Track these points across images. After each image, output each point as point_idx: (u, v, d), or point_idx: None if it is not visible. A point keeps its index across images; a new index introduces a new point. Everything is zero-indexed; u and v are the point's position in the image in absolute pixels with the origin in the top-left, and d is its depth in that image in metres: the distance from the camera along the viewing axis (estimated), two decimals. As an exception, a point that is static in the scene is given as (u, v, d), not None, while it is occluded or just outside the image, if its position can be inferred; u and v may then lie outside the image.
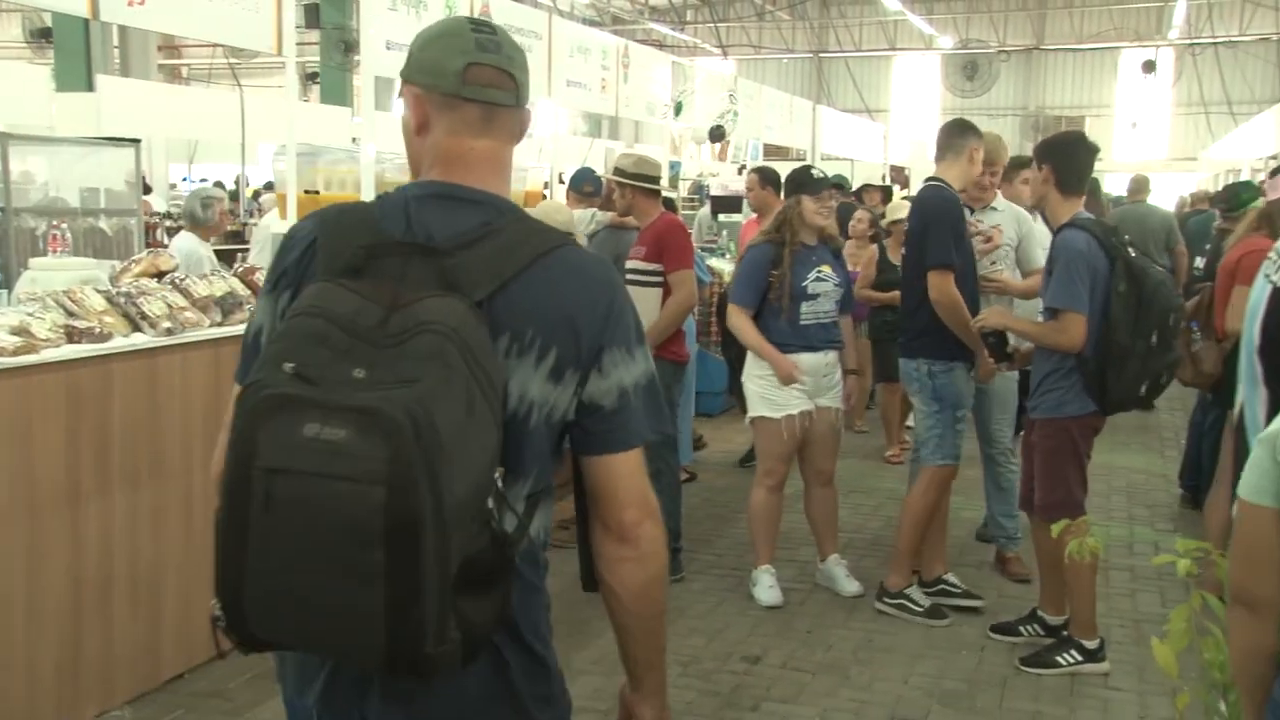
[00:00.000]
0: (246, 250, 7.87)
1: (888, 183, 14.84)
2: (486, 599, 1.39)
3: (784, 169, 5.57)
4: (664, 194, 5.84)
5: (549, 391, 1.49)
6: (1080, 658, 4.08)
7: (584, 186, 6.69)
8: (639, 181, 5.15)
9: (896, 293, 5.18)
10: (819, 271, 4.72)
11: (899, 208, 6.80)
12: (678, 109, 9.34)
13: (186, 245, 6.08)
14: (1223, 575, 1.84)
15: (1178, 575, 1.86)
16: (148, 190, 10.92)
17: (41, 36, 18.10)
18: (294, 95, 5.22)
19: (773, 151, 15.20)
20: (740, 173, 10.83)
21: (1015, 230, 4.92)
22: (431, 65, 1.55)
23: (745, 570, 4.94)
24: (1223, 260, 4.90)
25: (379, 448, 1.25)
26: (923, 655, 4.26)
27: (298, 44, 5.86)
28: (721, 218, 10.77)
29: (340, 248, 1.47)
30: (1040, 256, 4.72)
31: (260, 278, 4.36)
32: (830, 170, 13.95)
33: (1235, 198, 6.42)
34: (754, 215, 7.15)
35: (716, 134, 10.81)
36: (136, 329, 3.74)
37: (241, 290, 4.21)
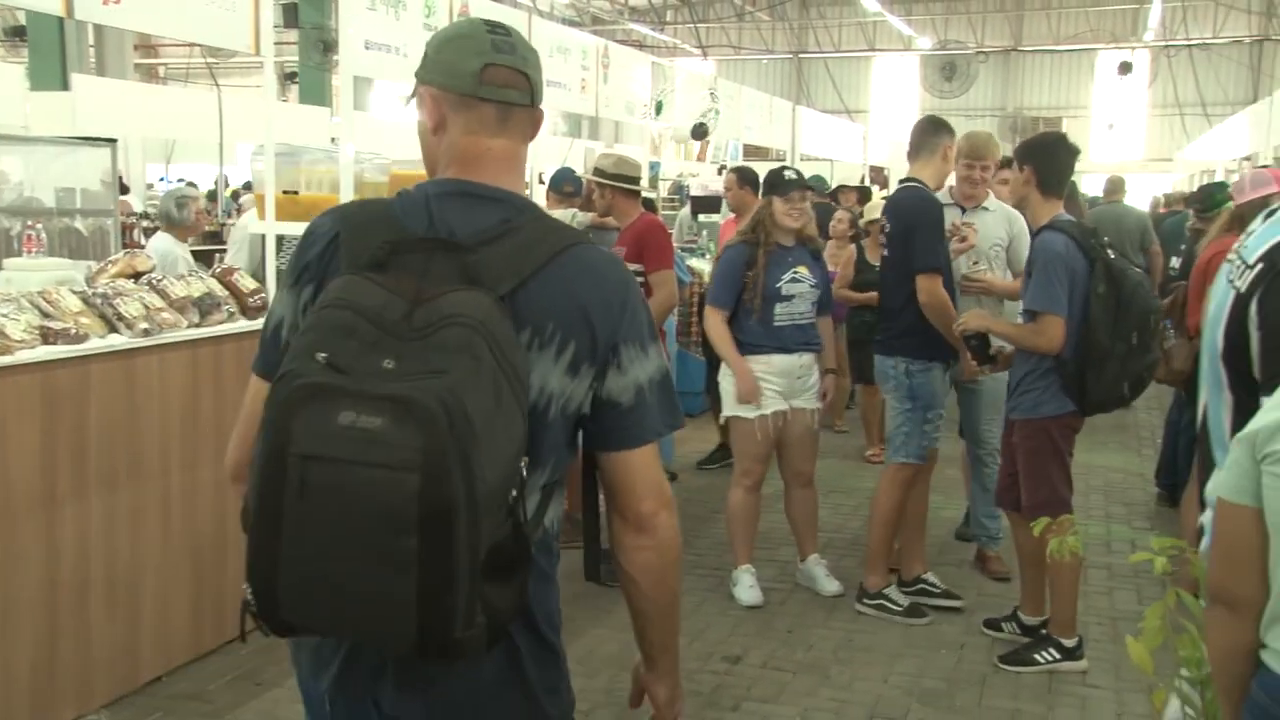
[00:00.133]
0: (225, 251, 7.82)
1: (867, 183, 14.89)
2: (509, 586, 1.42)
3: (763, 169, 5.57)
4: (644, 194, 5.83)
5: (567, 384, 1.54)
6: (1058, 655, 4.11)
7: (564, 186, 6.68)
8: (619, 182, 5.15)
9: (874, 294, 5.19)
10: (795, 273, 4.72)
11: (878, 208, 6.81)
12: (658, 109, 9.34)
13: (162, 246, 6.04)
14: (1196, 573, 1.85)
15: (1154, 573, 1.87)
16: (125, 190, 10.84)
17: (15, 35, 17.97)
18: (272, 95, 5.20)
19: (752, 152, 15.22)
20: (720, 173, 10.84)
21: (1007, 230, 4.88)
22: (448, 66, 1.58)
23: (725, 570, 4.94)
24: (1197, 260, 4.95)
25: (414, 436, 1.29)
26: (902, 654, 4.28)
27: (276, 43, 5.84)
28: (701, 218, 10.78)
29: (363, 243, 1.50)
30: None
31: (238, 278, 4.34)
32: (810, 171, 13.90)
33: (1209, 198, 6.48)
34: (732, 215, 7.16)
35: (699, 131, 10.81)
36: (113, 330, 3.72)
37: (219, 291, 4.18)
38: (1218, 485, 1.72)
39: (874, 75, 30.60)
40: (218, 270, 4.43)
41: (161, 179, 16.26)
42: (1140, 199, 13.83)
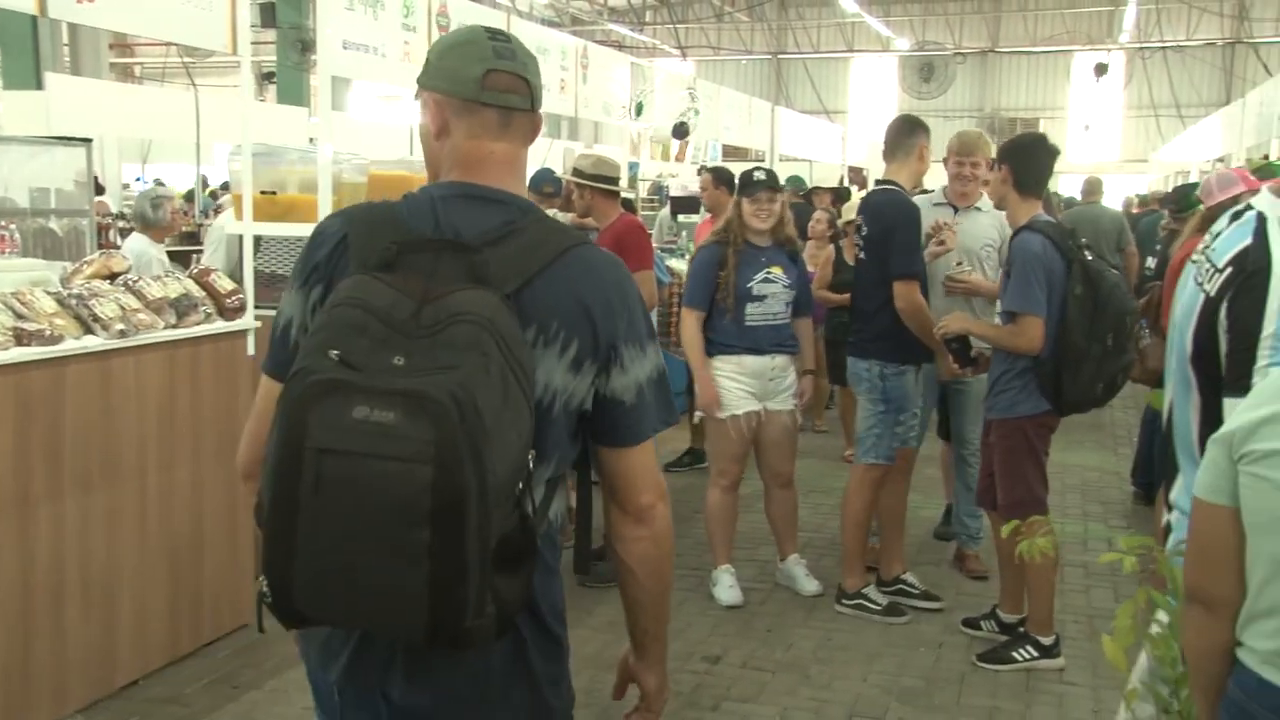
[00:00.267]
0: (202, 251, 7.77)
1: (846, 183, 14.93)
2: (517, 577, 1.46)
3: (742, 170, 5.57)
4: (622, 195, 5.83)
5: (570, 381, 1.58)
6: (1036, 654, 4.13)
7: (544, 187, 6.67)
8: (597, 182, 5.15)
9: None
10: (768, 273, 4.71)
11: (855, 208, 6.83)
12: (638, 109, 9.34)
13: (137, 247, 5.99)
14: (1163, 571, 1.86)
15: (1124, 572, 1.88)
16: (100, 191, 10.75)
17: (-11, 34, 17.75)
18: (249, 95, 5.17)
19: (731, 152, 15.24)
20: (700, 173, 10.84)
21: (999, 232, 4.85)
22: (451, 72, 1.62)
23: (705, 570, 4.95)
24: (1171, 261, 4.99)
25: (426, 429, 1.32)
26: (881, 653, 4.29)
27: (254, 43, 5.81)
28: (681, 218, 10.77)
29: (372, 244, 1.54)
30: None
31: (215, 279, 4.32)
32: (789, 171, 13.87)
33: (1184, 199, 6.54)
34: (708, 216, 7.16)
35: (680, 130, 10.82)
36: (88, 331, 3.69)
37: (196, 292, 4.16)
38: (1194, 485, 1.73)
39: (852, 76, 30.71)
40: (195, 271, 4.41)
41: (138, 179, 16.14)
42: (1115, 200, 13.94)
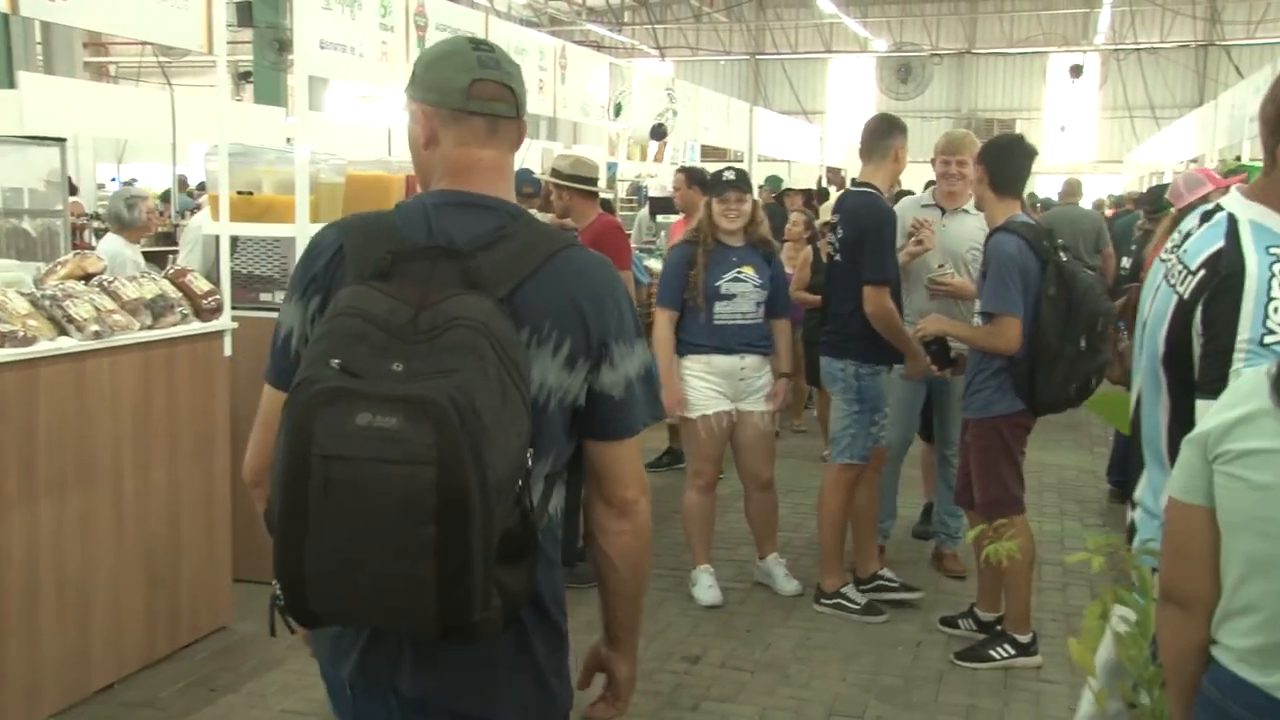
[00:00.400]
0: (178, 252, 7.72)
1: (825, 184, 14.97)
2: (520, 570, 1.52)
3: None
4: (601, 195, 5.83)
5: (563, 379, 1.64)
6: (1014, 652, 4.16)
7: (523, 187, 6.67)
8: (576, 183, 5.15)
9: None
10: (738, 273, 4.70)
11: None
12: (617, 110, 9.34)
13: (112, 247, 5.95)
14: (1129, 569, 1.87)
15: (1091, 571, 1.89)
16: (74, 191, 10.67)
17: (-40, 32, 17.59)
18: (226, 95, 5.14)
19: (710, 153, 15.26)
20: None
21: (985, 235, 4.88)
22: (438, 83, 1.67)
23: (684, 570, 4.96)
24: (1146, 261, 5.03)
25: (428, 432, 1.37)
26: (860, 652, 4.31)
27: (231, 43, 5.77)
28: (660, 218, 10.79)
29: (367, 253, 1.59)
30: None
31: (192, 279, 4.29)
32: (767, 171, 13.86)
33: (1158, 199, 6.59)
34: (681, 216, 7.16)
35: (658, 132, 10.82)
36: (63, 332, 3.65)
37: (172, 293, 4.13)
38: (1169, 485, 1.74)
39: (830, 76, 30.80)
40: (171, 271, 4.37)
41: (113, 179, 16.03)
42: (1088, 201, 14.03)
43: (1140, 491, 2.16)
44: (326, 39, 5.05)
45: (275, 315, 4.14)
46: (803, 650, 4.33)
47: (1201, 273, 1.95)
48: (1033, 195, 14.27)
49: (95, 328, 3.70)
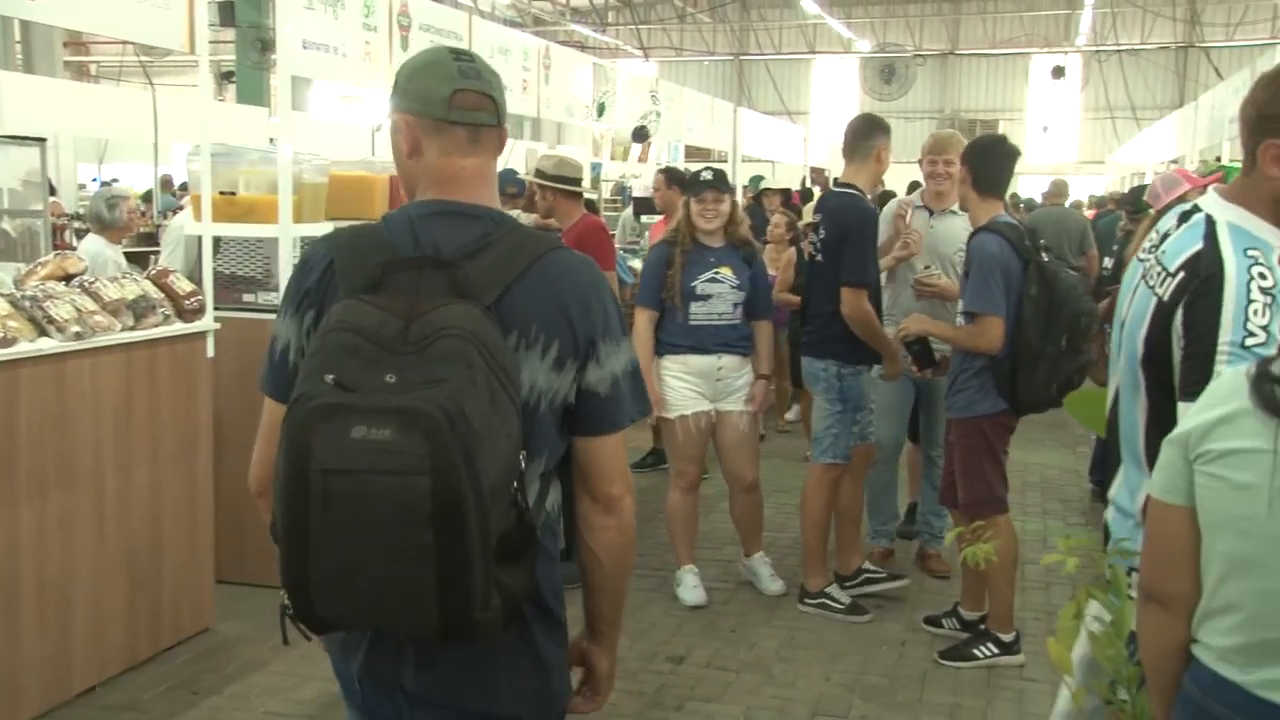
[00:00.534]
0: (160, 252, 7.67)
1: (809, 184, 15.00)
2: (519, 569, 1.57)
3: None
4: (585, 195, 5.83)
5: (553, 379, 1.67)
6: (997, 650, 4.17)
7: (507, 188, 6.66)
8: (560, 183, 5.15)
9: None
10: (715, 273, 4.69)
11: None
12: (600, 110, 9.34)
13: (93, 248, 5.91)
14: (1101, 569, 1.88)
15: (1069, 572, 1.90)
16: (52, 191, 10.59)
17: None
18: (208, 94, 5.11)
19: (694, 153, 15.27)
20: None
21: None
22: (420, 94, 1.71)
23: (669, 571, 4.96)
24: (1127, 262, 5.04)
25: (421, 443, 1.42)
26: (844, 652, 4.32)
27: (214, 42, 5.74)
28: (644, 219, 10.79)
29: (357, 267, 1.64)
30: None
31: (174, 280, 4.27)
32: (751, 171, 13.84)
33: (1139, 200, 6.62)
34: (661, 216, 7.15)
35: (640, 134, 10.82)
36: (43, 333, 3.63)
37: (154, 293, 4.11)
38: (1150, 485, 1.75)
39: (814, 77, 30.86)
40: (153, 272, 4.35)
41: (94, 179, 15.92)
42: (1070, 201, 14.10)
43: (1115, 489, 2.17)
44: (309, 39, 5.03)
45: (258, 316, 4.22)
46: (787, 650, 4.34)
47: (1180, 275, 1.96)
48: (1015, 196, 14.33)
49: (76, 329, 3.67)
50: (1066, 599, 4.81)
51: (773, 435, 7.86)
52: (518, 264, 1.65)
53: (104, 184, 11.62)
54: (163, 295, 4.14)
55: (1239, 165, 2.04)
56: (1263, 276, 1.87)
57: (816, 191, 12.17)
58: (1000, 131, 15.44)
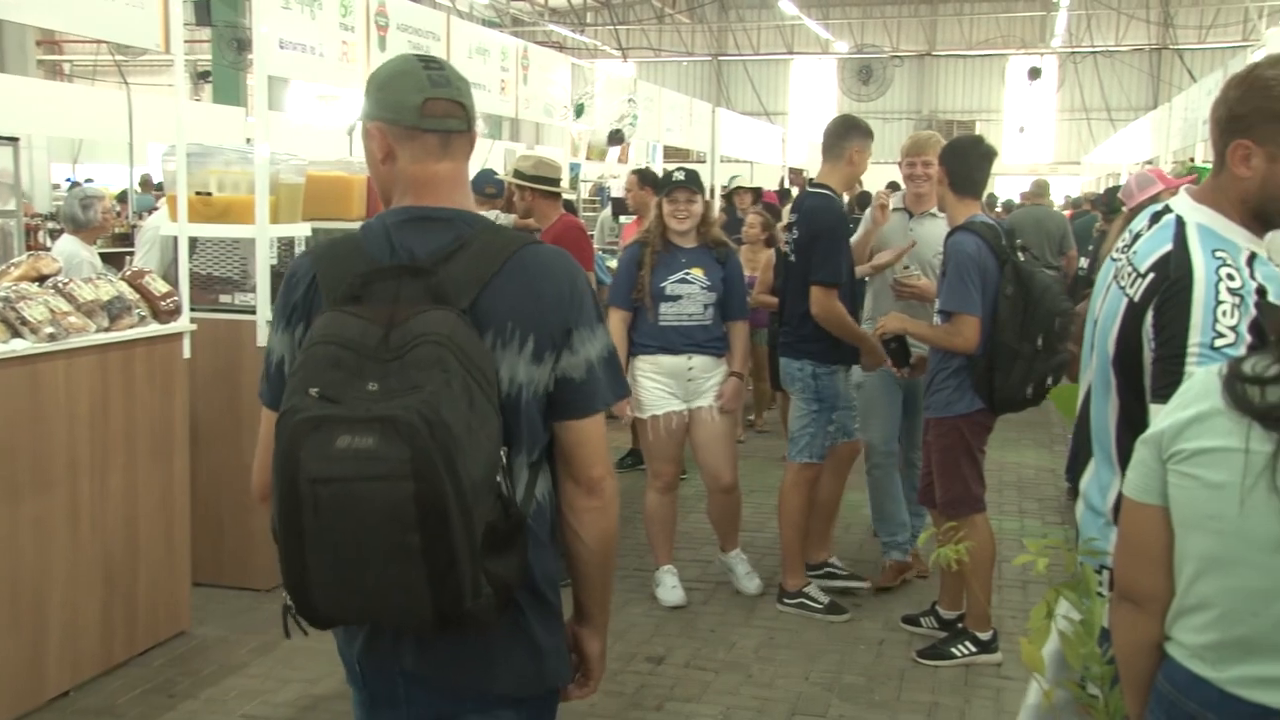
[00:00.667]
0: (135, 252, 7.61)
1: (787, 185, 15.03)
2: (508, 557, 1.64)
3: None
4: (564, 196, 5.82)
5: (532, 372, 1.73)
6: (974, 649, 4.19)
7: (485, 188, 6.64)
8: (538, 184, 5.14)
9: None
10: (686, 274, 4.68)
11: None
12: (579, 111, 9.33)
13: (68, 248, 5.86)
14: (1071, 569, 1.89)
15: (1038, 572, 1.91)
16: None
17: (-90, 29, 17.26)
18: (184, 94, 5.08)
19: (673, 153, 15.27)
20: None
21: None
22: (392, 102, 1.77)
23: (648, 571, 4.96)
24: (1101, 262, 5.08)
25: (402, 449, 1.49)
26: (823, 651, 4.33)
27: (188, 42, 5.70)
28: (623, 219, 10.78)
29: (338, 278, 1.70)
30: None
31: (149, 281, 4.24)
32: (730, 172, 13.84)
33: (1114, 200, 6.68)
34: (635, 217, 7.13)
35: (615, 138, 10.81)
36: (16, 335, 3.60)
37: (129, 294, 4.08)
38: (1124, 485, 1.76)
39: (792, 78, 30.95)
40: (128, 273, 4.32)
41: (68, 180, 15.80)
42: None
43: (1086, 483, 2.19)
44: (286, 38, 5.00)
45: (234, 317, 4.25)
46: (766, 650, 4.35)
47: (1150, 275, 1.97)
48: (992, 196, 14.42)
49: (50, 330, 3.64)
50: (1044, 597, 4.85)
51: (751, 435, 7.87)
52: (490, 265, 1.71)
53: (74, 184, 11.52)
54: (138, 296, 4.11)
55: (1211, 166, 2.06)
56: (1231, 278, 1.88)
57: (794, 192, 12.21)
58: (977, 132, 15.53)
